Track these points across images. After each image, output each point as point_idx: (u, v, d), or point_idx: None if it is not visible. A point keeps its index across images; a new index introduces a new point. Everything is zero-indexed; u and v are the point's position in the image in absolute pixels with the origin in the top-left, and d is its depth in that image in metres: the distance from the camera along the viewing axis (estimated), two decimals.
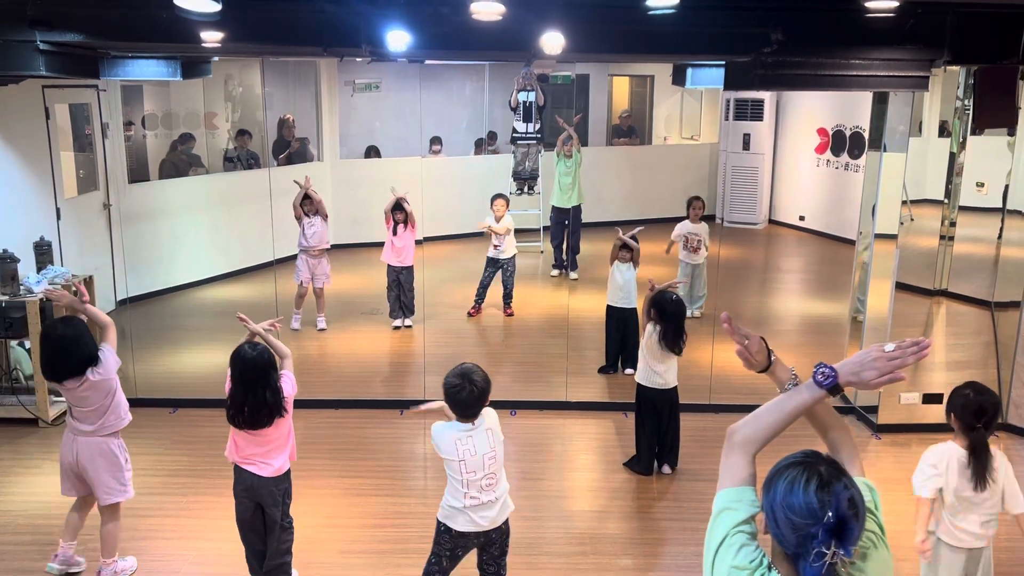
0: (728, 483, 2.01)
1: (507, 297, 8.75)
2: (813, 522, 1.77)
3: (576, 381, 6.93)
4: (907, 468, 3.97)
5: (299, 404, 4.31)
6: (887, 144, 6.27)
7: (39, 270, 6.43)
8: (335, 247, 9.09)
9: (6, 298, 6.12)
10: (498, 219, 8.53)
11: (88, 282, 6.72)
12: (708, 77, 7.38)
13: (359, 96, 12.12)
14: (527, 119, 10.36)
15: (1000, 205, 6.48)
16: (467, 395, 3.69)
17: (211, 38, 5.39)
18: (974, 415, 3.63)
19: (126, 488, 4.46)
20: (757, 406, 2.08)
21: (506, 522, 3.91)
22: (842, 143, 11.67)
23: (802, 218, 12.36)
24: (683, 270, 8.44)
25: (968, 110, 5.98)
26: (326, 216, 8.18)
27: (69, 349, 4.23)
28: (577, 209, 9.83)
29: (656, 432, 5.64)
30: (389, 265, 8.29)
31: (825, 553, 1.75)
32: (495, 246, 8.57)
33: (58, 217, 7.57)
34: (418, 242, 8.34)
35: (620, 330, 7.19)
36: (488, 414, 3.82)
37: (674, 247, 8.50)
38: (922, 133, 6.18)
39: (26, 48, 5.34)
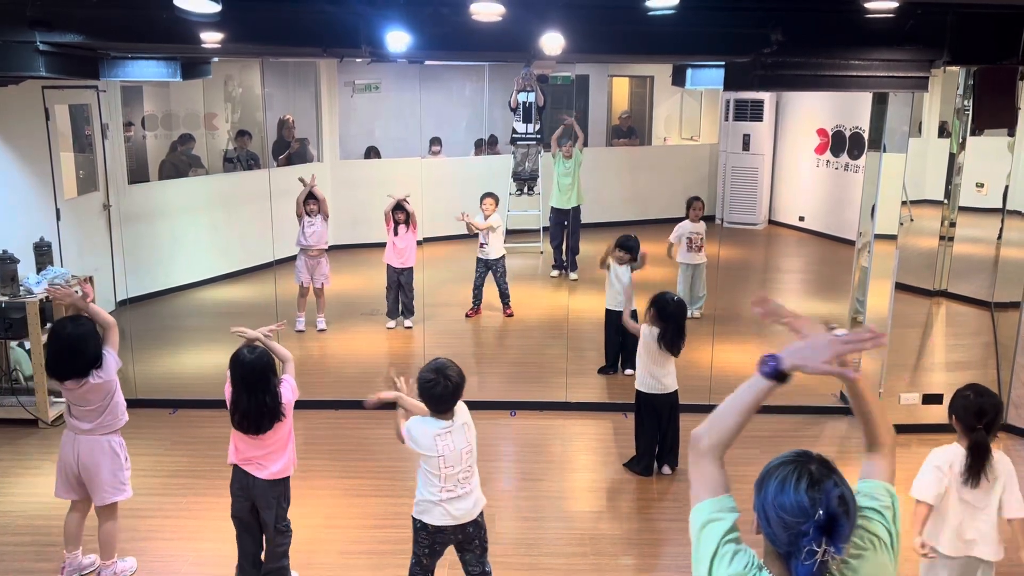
0: (705, 494, 2.02)
1: (503, 298, 8.75)
2: (804, 520, 1.79)
3: (576, 382, 6.93)
4: (907, 468, 3.94)
5: (299, 405, 4.30)
6: (887, 144, 6.26)
7: (39, 271, 6.43)
8: (335, 248, 9.09)
9: (6, 299, 6.12)
10: (485, 218, 8.52)
11: (88, 283, 6.72)
12: (708, 78, 7.38)
13: (359, 97, 12.12)
14: (527, 120, 10.37)
15: (1000, 205, 6.47)
16: (442, 390, 3.72)
17: (211, 39, 5.38)
18: (975, 416, 3.63)
19: (124, 487, 4.45)
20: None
21: (481, 515, 3.93)
22: (842, 144, 11.66)
23: (802, 219, 12.35)
24: (683, 271, 8.44)
25: (968, 110, 5.98)
26: (328, 216, 8.19)
27: (76, 348, 4.22)
28: (577, 210, 9.84)
29: (656, 433, 5.64)
30: (390, 266, 8.30)
31: (816, 551, 1.77)
32: (481, 245, 8.56)
33: (58, 218, 7.57)
34: (418, 243, 8.35)
35: (620, 332, 7.18)
36: (461, 409, 3.85)
37: (674, 249, 8.49)
38: (922, 133, 6.18)
39: (26, 49, 5.34)
